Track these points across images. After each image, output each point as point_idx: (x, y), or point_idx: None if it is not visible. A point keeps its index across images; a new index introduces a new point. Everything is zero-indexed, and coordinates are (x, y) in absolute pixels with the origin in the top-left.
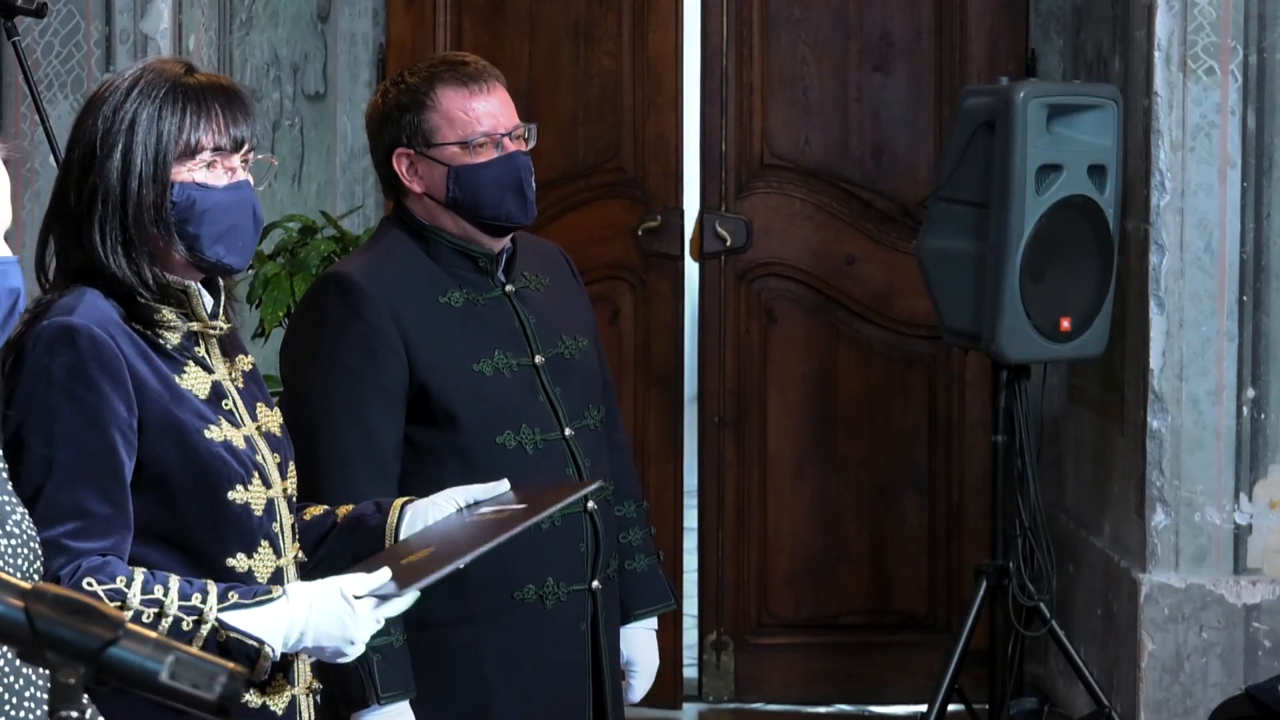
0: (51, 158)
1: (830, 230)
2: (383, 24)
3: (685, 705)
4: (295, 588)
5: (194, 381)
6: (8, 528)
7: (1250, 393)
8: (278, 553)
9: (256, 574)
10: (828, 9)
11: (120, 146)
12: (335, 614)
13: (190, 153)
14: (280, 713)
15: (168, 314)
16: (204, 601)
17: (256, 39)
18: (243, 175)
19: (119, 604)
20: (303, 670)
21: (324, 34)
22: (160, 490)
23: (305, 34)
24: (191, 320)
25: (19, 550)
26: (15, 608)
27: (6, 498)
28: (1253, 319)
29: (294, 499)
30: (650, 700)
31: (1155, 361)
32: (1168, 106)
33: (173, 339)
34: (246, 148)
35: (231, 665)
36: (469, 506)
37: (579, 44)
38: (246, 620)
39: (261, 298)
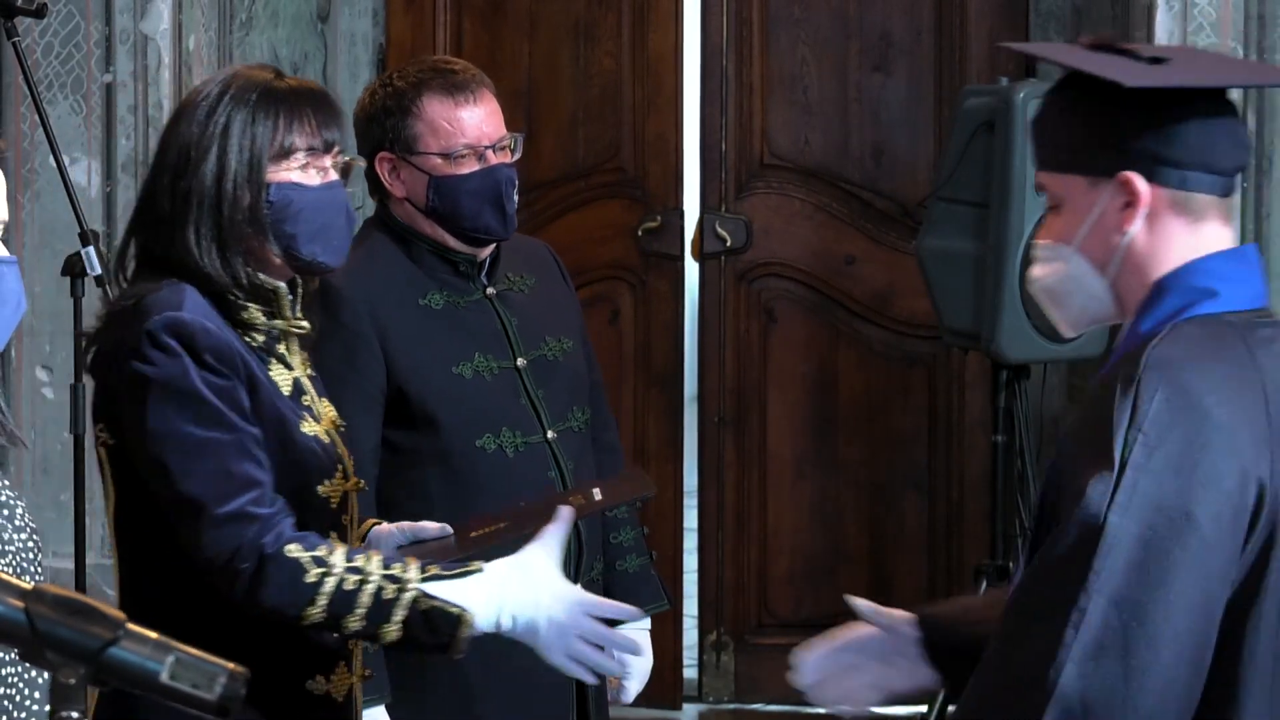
0: (52, 158)
1: (830, 230)
2: (383, 24)
3: (685, 705)
4: (492, 564)
5: (278, 378)
6: (16, 523)
7: None
8: (345, 542)
9: None
10: (828, 9)
11: (215, 150)
12: (530, 585)
13: (284, 154)
14: (340, 700)
15: (255, 313)
16: (405, 571)
17: (256, 39)
18: (334, 176)
19: (324, 570)
20: (359, 658)
21: (324, 34)
22: None
23: (305, 34)
24: (276, 319)
25: (27, 544)
26: (15, 608)
27: (10, 495)
28: None
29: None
30: (650, 700)
31: None
32: None
33: (258, 337)
34: (336, 149)
35: (231, 666)
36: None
37: (579, 44)
38: (447, 590)
39: None
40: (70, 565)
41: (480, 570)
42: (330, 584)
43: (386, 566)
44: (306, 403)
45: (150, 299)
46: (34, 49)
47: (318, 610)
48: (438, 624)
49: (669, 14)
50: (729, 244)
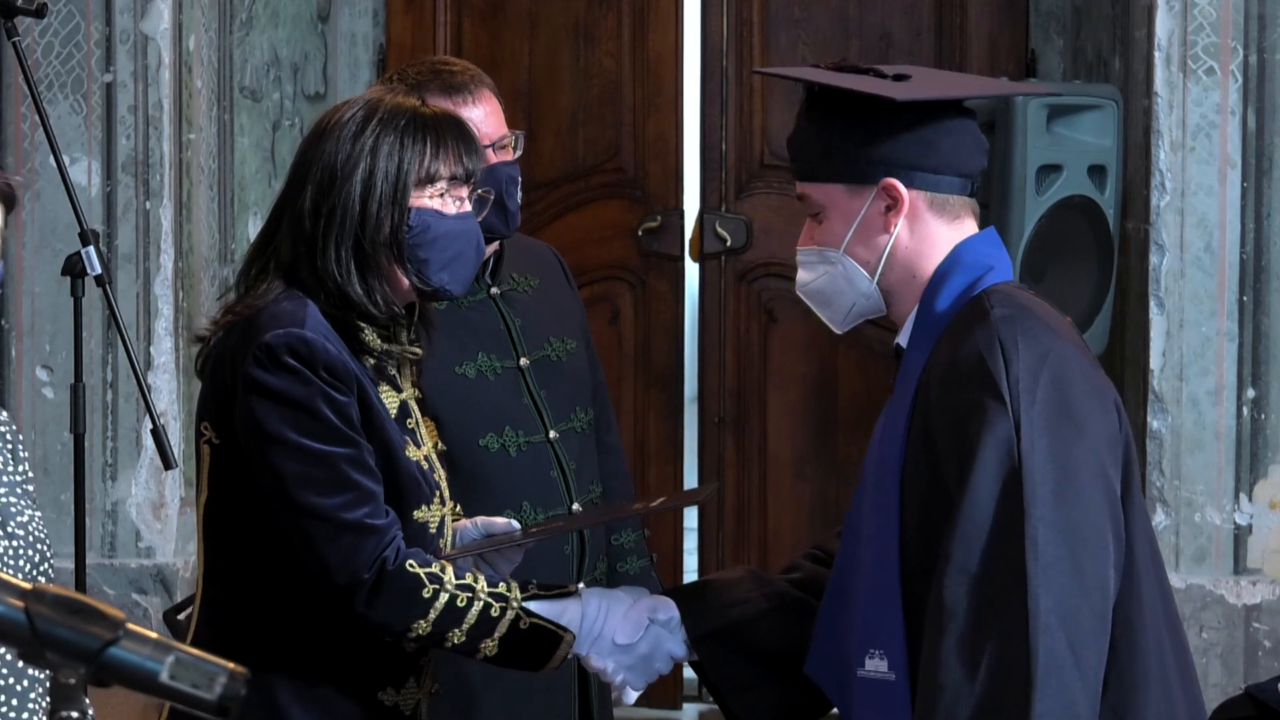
0: (52, 158)
1: None
2: (383, 24)
3: (685, 705)
4: (592, 592)
5: (387, 401)
6: (10, 529)
7: (1250, 393)
8: None
9: None
10: (828, 9)
11: (361, 169)
12: (626, 616)
13: (428, 180)
14: (408, 714)
15: (372, 336)
16: (509, 590)
17: (256, 39)
18: (469, 207)
19: (437, 586)
20: (430, 674)
21: (324, 34)
22: None
23: (305, 34)
24: (391, 343)
25: (22, 551)
26: (15, 608)
27: (14, 499)
28: (1253, 319)
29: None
30: (650, 700)
31: (1155, 361)
32: (1168, 106)
33: (371, 360)
34: (474, 180)
35: (231, 666)
36: (488, 537)
37: (579, 44)
38: (547, 610)
39: None
40: (70, 565)
41: (577, 594)
42: (443, 600)
43: (493, 584)
44: (411, 425)
45: (272, 310)
46: (34, 49)
47: (426, 624)
48: (536, 642)
49: (669, 14)
50: (729, 244)
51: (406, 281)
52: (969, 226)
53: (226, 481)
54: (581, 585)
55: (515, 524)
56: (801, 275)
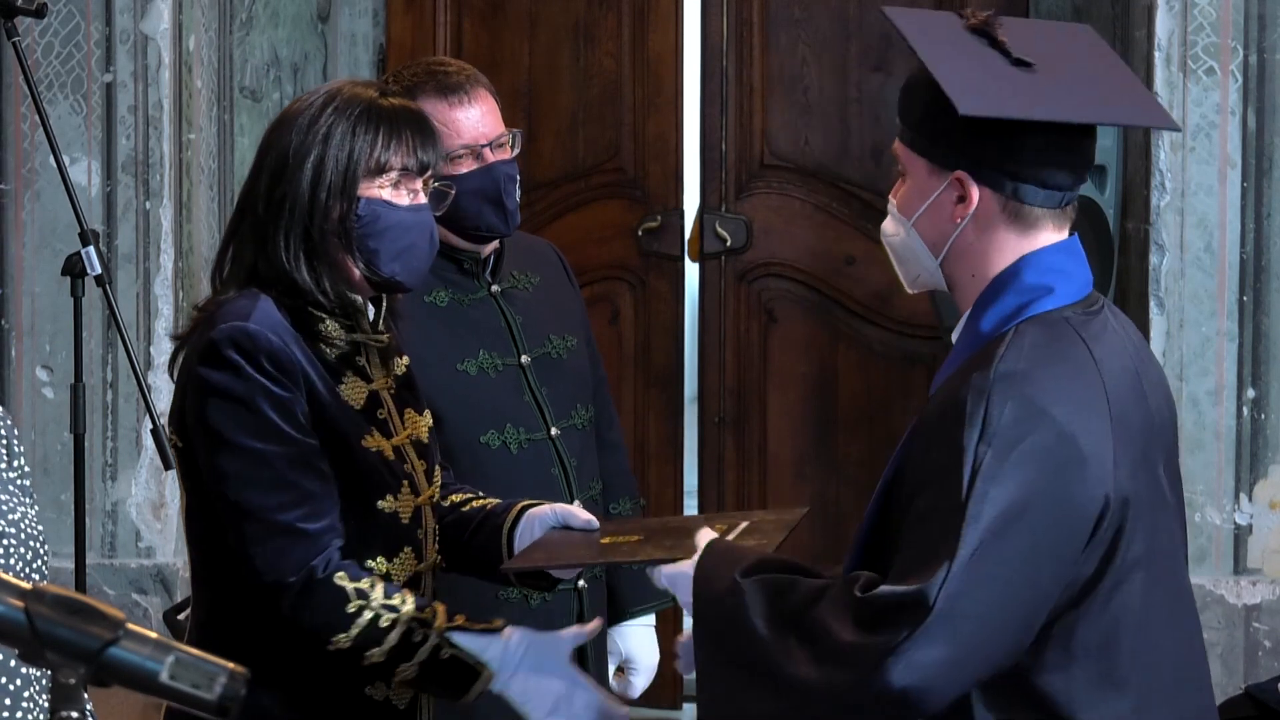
0: (52, 158)
1: (830, 230)
2: (383, 24)
3: (685, 705)
4: (516, 630)
5: (352, 391)
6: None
7: (1250, 393)
8: (419, 558)
9: (394, 577)
10: (828, 9)
11: (312, 157)
12: (548, 671)
13: (379, 170)
14: (403, 708)
15: (332, 326)
16: (434, 617)
17: (256, 39)
18: (423, 199)
19: (363, 602)
20: None
21: (324, 34)
22: None
23: (305, 34)
24: (355, 332)
25: (13, 550)
26: (15, 608)
27: (4, 496)
28: (1253, 319)
29: (438, 504)
30: (650, 700)
31: None
32: (1168, 106)
33: (333, 351)
34: (429, 173)
35: (231, 666)
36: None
37: (579, 44)
38: (470, 643)
39: None
40: (70, 565)
41: (501, 631)
42: (366, 617)
43: (420, 609)
44: (381, 416)
45: (225, 308)
46: (34, 49)
47: (347, 639)
48: (454, 673)
49: (669, 14)
50: (729, 244)
51: (358, 272)
52: (1045, 239)
53: (196, 484)
54: (509, 626)
55: (594, 521)
56: (886, 225)
